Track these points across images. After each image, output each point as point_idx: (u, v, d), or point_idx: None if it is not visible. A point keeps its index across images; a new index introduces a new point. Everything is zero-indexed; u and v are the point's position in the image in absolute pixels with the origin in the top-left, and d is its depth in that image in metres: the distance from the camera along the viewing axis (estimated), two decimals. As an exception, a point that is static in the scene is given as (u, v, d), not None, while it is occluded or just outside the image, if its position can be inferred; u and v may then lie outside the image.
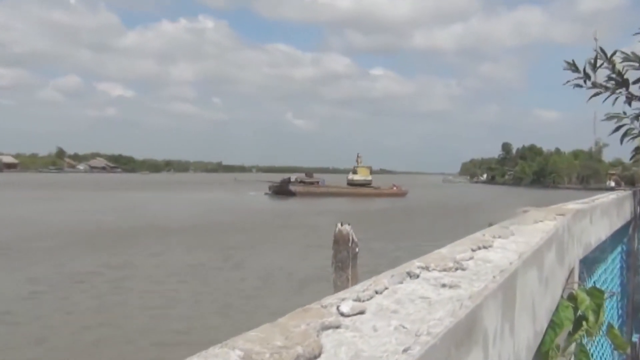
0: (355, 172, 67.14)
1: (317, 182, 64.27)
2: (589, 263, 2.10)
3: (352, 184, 65.46)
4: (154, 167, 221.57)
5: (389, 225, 30.99)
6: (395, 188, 67.95)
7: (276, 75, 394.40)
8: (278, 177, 73.74)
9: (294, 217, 34.77)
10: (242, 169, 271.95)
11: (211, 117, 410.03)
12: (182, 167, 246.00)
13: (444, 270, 1.05)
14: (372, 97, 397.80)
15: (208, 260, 18.18)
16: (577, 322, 1.62)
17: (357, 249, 8.77)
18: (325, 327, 0.61)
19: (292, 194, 59.38)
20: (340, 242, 8.74)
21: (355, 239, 8.73)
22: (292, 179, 62.49)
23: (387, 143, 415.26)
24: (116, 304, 11.02)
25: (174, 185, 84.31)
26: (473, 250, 1.36)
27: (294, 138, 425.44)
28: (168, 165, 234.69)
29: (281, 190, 60.65)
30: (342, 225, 8.99)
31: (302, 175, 65.15)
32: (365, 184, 64.91)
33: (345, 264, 8.53)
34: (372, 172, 67.28)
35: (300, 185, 61.77)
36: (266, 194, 61.81)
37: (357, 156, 68.25)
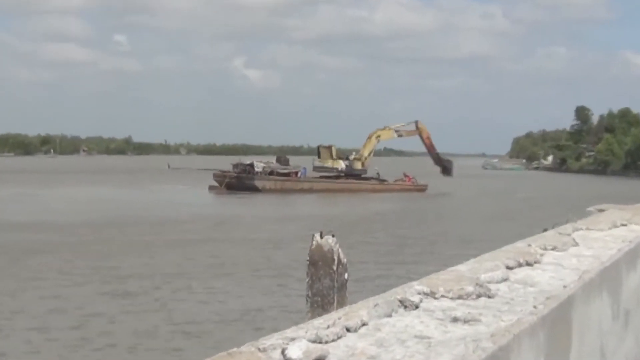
0: (332, 157, 66.33)
1: (296, 173, 64.23)
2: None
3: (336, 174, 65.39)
4: (23, 146, 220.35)
5: (396, 237, 31.40)
6: (407, 180, 68.45)
7: (215, 0, 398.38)
8: (224, 162, 73.30)
9: (258, 227, 35.06)
10: (163, 148, 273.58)
11: (112, 67, 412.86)
12: (68, 146, 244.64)
13: (459, 297, 1.06)
14: (368, 34, 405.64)
15: (104, 301, 18.18)
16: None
17: (345, 275, 8.71)
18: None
19: (255, 190, 59.58)
20: (320, 263, 8.64)
21: (344, 259, 8.65)
22: (258, 168, 62.28)
23: (394, 107, 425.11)
24: None
25: (53, 176, 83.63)
26: (509, 268, 1.38)
27: (245, 100, 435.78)
28: (46, 144, 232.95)
29: (239, 185, 60.64)
30: (321, 236, 8.83)
31: (272, 162, 65.05)
32: (356, 175, 65.58)
33: (327, 298, 8.48)
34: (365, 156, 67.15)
35: (271, 179, 61.85)
36: (212, 189, 61.66)
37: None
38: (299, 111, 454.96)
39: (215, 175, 62.78)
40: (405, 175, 68.54)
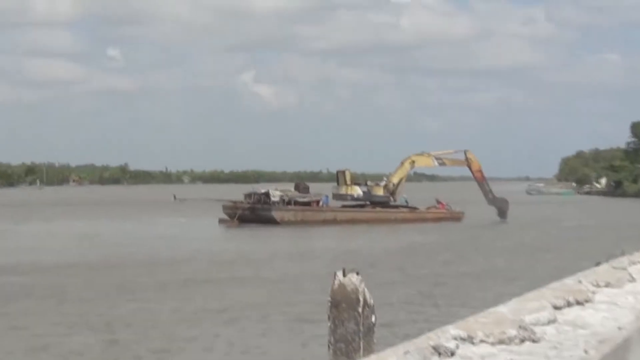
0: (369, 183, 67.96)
1: (317, 202, 64.67)
2: None
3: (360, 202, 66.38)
4: (5, 176, 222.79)
5: (429, 274, 31.50)
6: (441, 207, 69.03)
7: (219, 6, 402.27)
8: (235, 192, 73.43)
9: (273, 264, 35.27)
10: (164, 177, 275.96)
11: (105, 85, 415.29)
12: (56, 175, 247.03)
13: (500, 342, 1.07)
14: (394, 43, 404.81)
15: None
16: None
17: (372, 318, 8.74)
18: None
19: (272, 222, 60.07)
20: (343, 305, 8.68)
21: (370, 300, 8.69)
22: (274, 198, 62.61)
23: (425, 125, 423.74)
24: None
25: (39, 209, 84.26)
26: (557, 308, 1.39)
27: (255, 120, 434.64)
28: (31, 174, 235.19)
29: (253, 217, 61.27)
30: (344, 274, 8.89)
31: (289, 190, 65.40)
32: (381, 202, 66.27)
33: (352, 344, 8.50)
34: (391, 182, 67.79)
35: (290, 210, 62.33)
36: (222, 222, 62.31)
37: None
38: (317, 132, 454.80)
39: (225, 207, 63.41)
40: (438, 202, 69.18)
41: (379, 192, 66.13)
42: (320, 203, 63.97)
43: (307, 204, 63.29)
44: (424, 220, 64.22)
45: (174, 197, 75.25)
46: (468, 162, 67.66)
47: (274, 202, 61.55)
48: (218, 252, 39.88)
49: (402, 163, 67.71)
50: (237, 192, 69.86)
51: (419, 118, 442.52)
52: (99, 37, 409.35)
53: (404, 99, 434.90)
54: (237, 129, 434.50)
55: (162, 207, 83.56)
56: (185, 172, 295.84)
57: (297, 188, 65.94)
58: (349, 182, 66.27)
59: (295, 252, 40.69)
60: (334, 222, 61.26)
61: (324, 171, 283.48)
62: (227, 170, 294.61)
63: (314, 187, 69.42)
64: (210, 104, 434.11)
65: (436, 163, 69.12)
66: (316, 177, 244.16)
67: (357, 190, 65.76)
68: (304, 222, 60.02)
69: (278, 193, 62.69)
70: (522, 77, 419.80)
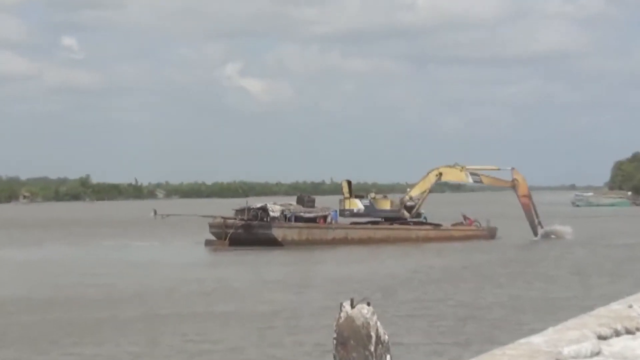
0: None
1: (325, 218, 65.01)
2: None
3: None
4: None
5: (454, 304, 31.57)
6: (468, 224, 69.83)
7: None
8: (222, 207, 72.66)
9: (266, 295, 35.20)
10: (133, 191, 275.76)
11: (61, 81, 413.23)
12: (3, 190, 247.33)
13: None
14: (410, 27, 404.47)
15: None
16: None
17: (387, 358, 8.76)
18: None
19: (272, 243, 60.31)
20: (351, 342, 8.71)
21: (384, 336, 8.72)
22: (274, 213, 62.48)
23: (448, 123, 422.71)
24: None
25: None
26: (602, 338, 1.38)
27: (243, 121, 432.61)
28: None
29: (249, 236, 61.18)
30: (353, 305, 8.91)
31: (291, 204, 65.64)
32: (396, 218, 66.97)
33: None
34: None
35: (293, 227, 62.43)
36: (209, 244, 62.42)
37: None
38: (317, 134, 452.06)
39: (212, 225, 63.31)
40: (466, 218, 70.02)
41: (385, 205, 67.02)
42: (329, 219, 64.29)
43: (314, 220, 63.59)
44: (449, 238, 64.88)
45: (154, 212, 75.04)
46: (514, 184, 67.64)
47: (273, 219, 61.55)
48: (201, 281, 39.97)
49: (427, 174, 68.49)
50: (224, 208, 69.91)
51: (439, 116, 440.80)
52: (52, 23, 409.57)
53: (421, 94, 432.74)
54: (220, 132, 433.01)
55: (133, 227, 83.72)
56: (159, 185, 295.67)
57: (300, 201, 66.08)
58: (346, 194, 67.21)
59: (295, 278, 40.90)
60: (345, 241, 61.95)
61: (327, 181, 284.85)
62: (209, 182, 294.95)
63: (317, 201, 69.48)
64: (187, 103, 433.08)
65: (470, 180, 69.59)
66: (318, 188, 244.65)
67: (358, 204, 66.59)
68: (309, 242, 60.55)
69: (278, 207, 62.82)
70: (564, 65, 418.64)
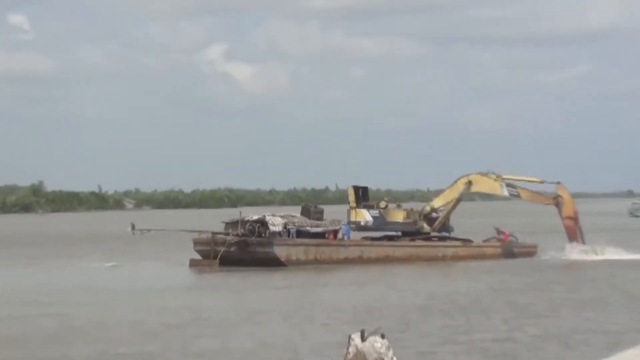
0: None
1: (335, 233, 65.19)
2: None
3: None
4: None
5: (486, 337, 31.80)
6: (504, 239, 70.29)
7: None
8: (204, 220, 72.01)
9: (260, 328, 35.32)
10: (96, 200, 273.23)
11: (7, 68, 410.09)
12: None
13: None
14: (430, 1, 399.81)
15: None
16: None
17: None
18: None
19: (274, 263, 60.59)
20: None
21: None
22: (275, 226, 62.11)
23: (479, 116, 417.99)
24: None
25: None
26: None
27: (229, 114, 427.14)
28: None
29: (244, 255, 61.36)
30: (363, 337, 9.20)
31: (294, 216, 65.39)
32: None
33: None
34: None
35: (299, 244, 62.36)
36: (195, 264, 62.31)
37: None
38: (318, 131, 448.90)
39: (198, 242, 63.28)
40: (500, 232, 70.58)
41: (397, 217, 67.67)
42: (340, 234, 64.63)
43: (322, 235, 63.84)
44: (481, 256, 65.68)
45: (132, 227, 75.23)
46: (557, 201, 67.82)
47: (274, 234, 61.47)
48: (178, 311, 40.07)
49: (455, 182, 69.25)
50: (209, 221, 69.68)
51: (467, 109, 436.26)
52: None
53: (446, 82, 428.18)
54: (201, 129, 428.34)
55: (100, 244, 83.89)
56: (127, 194, 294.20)
57: (305, 213, 65.94)
58: (352, 203, 67.70)
59: (295, 306, 41.01)
60: (359, 260, 62.59)
61: (332, 187, 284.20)
62: (188, 190, 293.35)
63: (331, 213, 69.74)
64: (161, 93, 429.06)
65: (506, 192, 69.74)
66: (320, 196, 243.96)
67: (365, 216, 67.21)
68: (318, 262, 61.09)
69: (280, 220, 62.51)
70: (620, 45, 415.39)
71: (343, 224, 65.49)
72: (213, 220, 67.38)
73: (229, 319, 37.47)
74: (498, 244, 68.54)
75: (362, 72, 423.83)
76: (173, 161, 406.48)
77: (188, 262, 62.16)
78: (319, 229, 63.82)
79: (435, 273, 56.81)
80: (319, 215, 65.44)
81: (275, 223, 61.96)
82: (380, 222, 66.98)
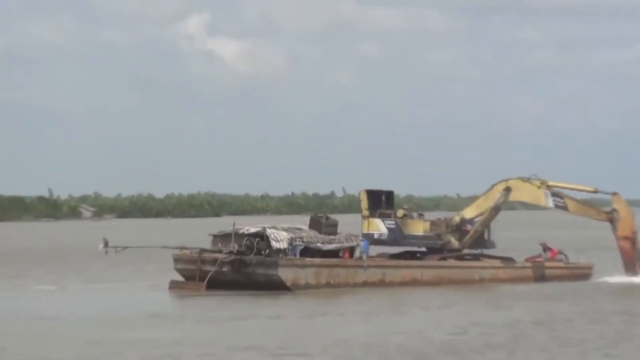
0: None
1: (351, 251, 64.92)
2: None
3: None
4: None
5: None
6: (551, 256, 70.88)
7: None
8: (183, 232, 72.01)
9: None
10: (45, 206, 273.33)
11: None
12: None
13: None
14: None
15: None
16: None
17: None
18: None
19: (277, 286, 60.55)
20: None
21: None
22: (278, 242, 61.67)
23: (521, 102, 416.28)
24: None
25: None
26: None
27: (210, 103, 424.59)
28: None
29: (239, 277, 61.33)
30: None
31: (301, 229, 65.18)
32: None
33: None
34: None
35: (308, 265, 62.08)
36: (176, 287, 62.47)
37: None
38: (322, 122, 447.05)
39: (179, 259, 63.40)
40: (547, 248, 70.90)
41: (416, 229, 68.15)
42: (357, 252, 64.26)
43: (336, 253, 63.74)
44: (525, 279, 66.28)
45: (104, 244, 75.13)
46: (611, 216, 67.80)
47: (278, 251, 61.17)
48: (146, 346, 40.14)
49: (491, 188, 69.39)
50: (189, 233, 69.37)
51: (505, 94, 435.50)
52: None
53: (479, 61, 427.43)
54: (177, 120, 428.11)
55: (55, 262, 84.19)
56: (84, 199, 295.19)
57: (315, 225, 65.44)
58: (365, 211, 68.43)
59: (294, 341, 40.91)
60: (381, 284, 62.98)
61: (338, 192, 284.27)
62: (160, 195, 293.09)
63: (345, 227, 68.72)
64: (128, 76, 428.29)
65: (551, 203, 69.29)
66: (324, 203, 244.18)
67: (380, 227, 67.99)
68: (331, 286, 61.29)
69: (284, 235, 62.04)
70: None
71: (361, 240, 65.02)
72: (195, 232, 67.05)
73: (210, 355, 37.60)
74: (571, 264, 68.91)
75: (376, 51, 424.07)
76: (142, 160, 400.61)
77: (168, 285, 62.09)
78: (333, 246, 63.48)
79: (460, 299, 57.15)
80: (332, 229, 65.06)
81: (279, 238, 61.61)
82: (396, 235, 67.62)
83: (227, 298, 57.78)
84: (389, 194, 70.79)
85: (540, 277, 67.19)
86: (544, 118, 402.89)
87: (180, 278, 62.53)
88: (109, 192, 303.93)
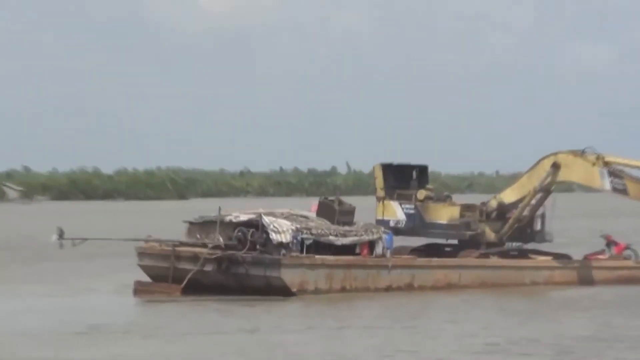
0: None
1: (371, 246, 64.32)
2: None
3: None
4: None
5: None
6: (615, 252, 70.99)
7: None
8: (141, 218, 72.56)
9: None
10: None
11: None
12: None
13: None
14: None
15: None
16: None
17: None
18: None
19: (277, 291, 60.05)
20: None
21: None
22: (278, 232, 60.36)
23: (583, 60, 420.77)
24: None
25: None
26: None
27: (175, 49, 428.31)
28: None
29: (229, 280, 60.77)
30: None
31: (306, 216, 64.53)
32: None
33: None
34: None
35: (319, 264, 61.25)
36: (142, 291, 61.46)
37: None
38: (322, 77, 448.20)
39: (145, 254, 62.72)
40: (610, 242, 70.69)
41: (441, 216, 67.89)
42: (379, 247, 63.47)
43: (352, 249, 63.07)
44: (586, 281, 66.51)
45: (59, 235, 75.61)
46: None
47: (277, 246, 59.96)
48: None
49: (537, 164, 68.65)
50: (152, 220, 69.52)
51: (562, 45, 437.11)
52: None
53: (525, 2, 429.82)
54: (132, 70, 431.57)
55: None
56: (9, 176, 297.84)
57: (326, 212, 64.31)
58: (380, 191, 68.61)
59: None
60: (409, 289, 62.38)
61: (341, 169, 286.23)
62: (108, 170, 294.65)
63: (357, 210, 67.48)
64: (70, 10, 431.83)
65: (607, 185, 67.88)
66: (323, 181, 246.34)
67: (397, 212, 67.97)
68: (346, 291, 60.70)
69: (287, 224, 60.63)
70: None
71: (384, 232, 63.82)
72: (157, 220, 66.70)
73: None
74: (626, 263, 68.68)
75: (380, 12, 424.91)
76: (84, 127, 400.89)
77: (132, 288, 61.04)
78: (349, 240, 62.37)
79: (522, 303, 57.81)
80: (347, 217, 63.97)
81: (281, 228, 60.03)
82: (415, 223, 67.43)
83: (211, 305, 57.31)
84: (423, 170, 70.01)
85: (604, 279, 67.07)
86: (616, 69, 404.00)
87: (146, 278, 61.59)
88: (41, 166, 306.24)
